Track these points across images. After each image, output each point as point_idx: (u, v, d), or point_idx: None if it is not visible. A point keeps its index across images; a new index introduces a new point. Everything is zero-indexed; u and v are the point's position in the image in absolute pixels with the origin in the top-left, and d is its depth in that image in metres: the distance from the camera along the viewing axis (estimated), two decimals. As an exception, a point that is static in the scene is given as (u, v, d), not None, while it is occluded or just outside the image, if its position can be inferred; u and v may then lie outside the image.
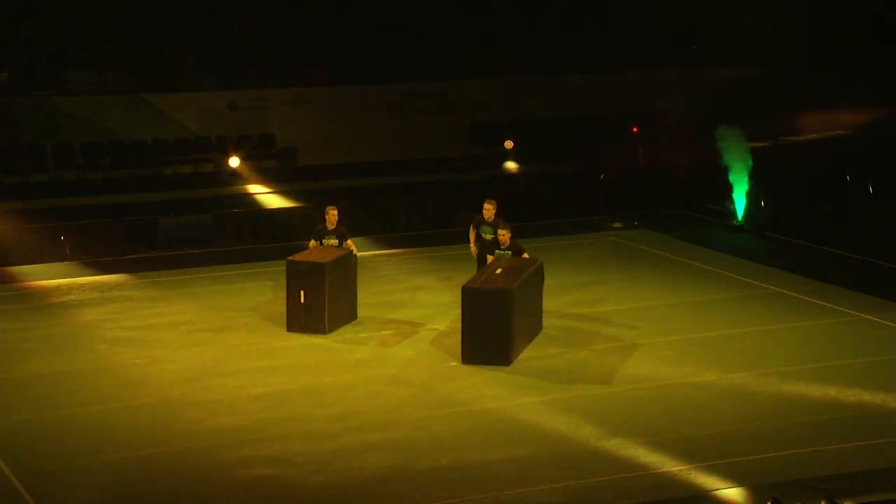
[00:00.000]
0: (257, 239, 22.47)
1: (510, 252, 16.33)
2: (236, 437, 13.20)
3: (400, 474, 12.30)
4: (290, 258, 16.85)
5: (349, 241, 17.16)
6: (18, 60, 25.34)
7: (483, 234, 17.10)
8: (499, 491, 11.85)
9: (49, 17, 26.37)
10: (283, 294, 17.10)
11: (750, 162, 23.11)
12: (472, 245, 17.22)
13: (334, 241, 17.07)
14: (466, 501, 11.64)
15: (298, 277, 16.61)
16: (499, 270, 15.89)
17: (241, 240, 22.38)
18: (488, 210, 17.06)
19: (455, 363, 15.55)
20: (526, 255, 16.48)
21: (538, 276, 16.47)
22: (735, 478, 12.04)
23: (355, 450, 12.90)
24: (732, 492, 11.85)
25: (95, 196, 23.37)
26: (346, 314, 16.98)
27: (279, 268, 17.36)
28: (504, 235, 16.37)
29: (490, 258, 16.47)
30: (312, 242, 17.20)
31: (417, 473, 12.31)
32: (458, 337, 16.19)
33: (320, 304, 16.54)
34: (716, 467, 12.28)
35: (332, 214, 17.16)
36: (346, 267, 16.99)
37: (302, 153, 26.04)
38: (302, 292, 16.50)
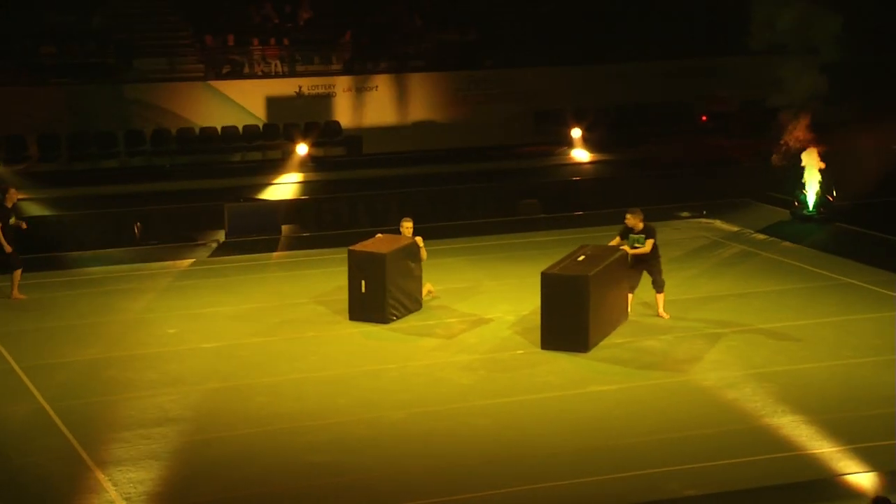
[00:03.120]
0: (323, 226, 22.48)
1: (643, 236, 16.26)
2: (301, 423, 13.21)
3: (459, 460, 12.24)
4: (351, 248, 16.80)
5: (422, 246, 17.03)
6: (89, 49, 25.58)
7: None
8: (557, 481, 11.73)
9: (118, 7, 26.62)
10: (346, 281, 17.08)
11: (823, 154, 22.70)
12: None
13: None
14: (533, 490, 11.55)
15: (359, 267, 16.53)
16: (581, 258, 15.84)
17: (306, 227, 22.42)
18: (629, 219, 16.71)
19: (521, 351, 15.46)
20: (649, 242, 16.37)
21: (622, 263, 16.38)
22: (802, 470, 11.87)
23: (418, 437, 12.86)
24: (799, 485, 11.69)
25: (164, 182, 23.59)
26: (408, 303, 16.89)
27: (343, 255, 17.32)
28: (630, 220, 16.33)
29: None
30: None
31: (479, 460, 12.23)
32: (523, 324, 16.18)
33: (381, 293, 16.44)
34: (783, 459, 12.10)
35: (407, 228, 17.03)
36: (409, 256, 16.89)
37: (367, 141, 26.08)
38: (363, 282, 16.44)
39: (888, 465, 11.93)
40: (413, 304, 16.97)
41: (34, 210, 21.77)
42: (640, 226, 16.33)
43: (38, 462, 12.26)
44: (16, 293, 18.01)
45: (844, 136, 24.48)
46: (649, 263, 16.41)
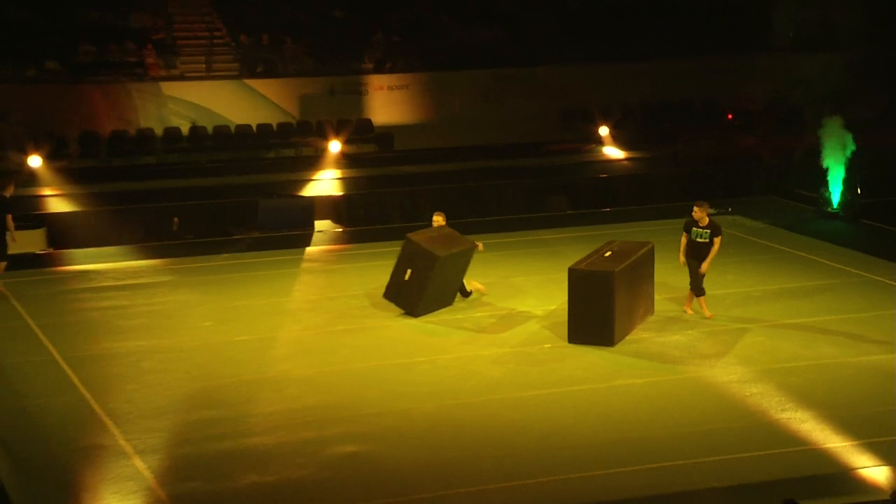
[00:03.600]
0: (355, 221, 22.53)
1: (708, 231, 16.07)
2: (332, 414, 13.27)
3: (490, 451, 12.26)
4: (410, 236, 16.65)
5: (479, 244, 16.97)
6: (127, 48, 25.73)
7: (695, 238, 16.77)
8: (591, 471, 11.76)
9: (156, 7, 26.76)
10: (377, 276, 17.14)
11: (850, 152, 22.55)
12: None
13: None
14: (559, 481, 11.56)
15: (410, 257, 16.46)
16: (608, 253, 15.86)
17: (339, 222, 22.47)
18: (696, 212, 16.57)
19: (549, 345, 15.47)
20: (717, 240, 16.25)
21: (649, 258, 16.34)
22: (828, 464, 11.83)
23: (449, 428, 12.88)
24: (825, 477, 11.66)
25: (200, 178, 23.69)
26: (443, 300, 16.88)
27: (375, 250, 17.45)
28: (697, 213, 16.11)
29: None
30: None
31: (510, 452, 12.25)
32: (552, 319, 16.19)
33: (420, 290, 16.42)
34: (808, 453, 12.07)
35: (437, 221, 17.02)
36: (461, 259, 16.78)
37: (398, 137, 26.12)
38: (409, 271, 16.44)
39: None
40: (446, 302, 16.94)
41: (74, 205, 21.95)
42: (706, 220, 16.11)
43: (78, 449, 12.38)
44: None
45: (870, 133, 24.29)
46: (701, 261, 16.11)
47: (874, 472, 11.70)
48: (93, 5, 26.25)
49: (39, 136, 23.60)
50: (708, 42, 27.28)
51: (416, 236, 16.68)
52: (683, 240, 16.29)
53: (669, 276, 17.54)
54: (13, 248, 19.71)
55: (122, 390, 14.01)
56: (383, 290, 16.88)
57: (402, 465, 11.96)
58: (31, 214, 21.08)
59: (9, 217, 17.94)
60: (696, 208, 16.16)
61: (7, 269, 18.81)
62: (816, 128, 22.68)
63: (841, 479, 11.66)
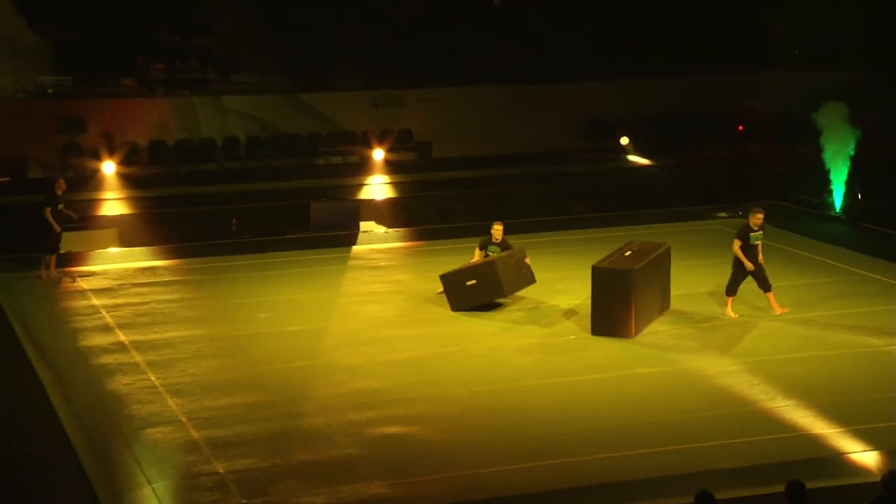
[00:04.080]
0: (396, 222, 22.50)
1: (761, 233, 15.57)
2: (375, 398, 13.23)
3: (517, 433, 12.20)
4: (496, 258, 16.25)
5: (521, 251, 16.72)
6: (192, 65, 25.84)
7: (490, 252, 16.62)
8: (612, 452, 11.67)
9: (220, 28, 26.86)
10: (417, 273, 17.08)
11: (851, 142, 22.05)
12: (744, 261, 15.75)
13: (496, 253, 16.63)
14: (582, 462, 11.47)
15: (478, 270, 16.13)
16: (628, 253, 15.76)
17: (382, 223, 22.45)
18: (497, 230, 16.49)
19: (573, 336, 15.37)
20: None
21: (665, 258, 16.21)
22: (830, 447, 11.71)
23: (481, 412, 12.83)
24: (828, 460, 11.52)
25: (256, 183, 23.75)
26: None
27: (415, 249, 17.40)
28: (755, 219, 15.55)
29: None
30: (478, 253, 16.76)
31: (536, 435, 12.19)
32: (576, 313, 16.11)
33: (470, 299, 16.16)
34: (812, 437, 11.94)
35: (497, 231, 16.80)
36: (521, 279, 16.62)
37: (436, 146, 26.07)
38: (474, 281, 16.18)
39: None
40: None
41: (142, 208, 22.06)
42: (760, 224, 15.61)
43: (143, 425, 12.41)
44: (53, 273, 18.34)
45: (869, 141, 24.02)
46: (757, 262, 15.67)
47: (871, 455, 11.52)
48: (162, 28, 26.39)
49: (114, 144, 23.75)
50: (720, 60, 27.06)
51: (499, 259, 16.27)
52: (738, 245, 15.58)
53: (684, 274, 17.40)
54: (89, 246, 19.90)
55: (184, 374, 14.05)
56: (422, 285, 16.82)
57: (437, 446, 11.92)
58: (103, 215, 21.22)
59: (48, 211, 18.09)
60: (758, 215, 15.61)
61: (83, 265, 18.99)
62: (817, 128, 22.17)
63: (840, 463, 11.51)
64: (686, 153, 25.55)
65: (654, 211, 22.89)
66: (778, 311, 15.90)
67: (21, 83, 24.23)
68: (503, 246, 16.74)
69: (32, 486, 11.00)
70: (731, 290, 15.93)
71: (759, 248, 15.77)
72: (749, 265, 15.65)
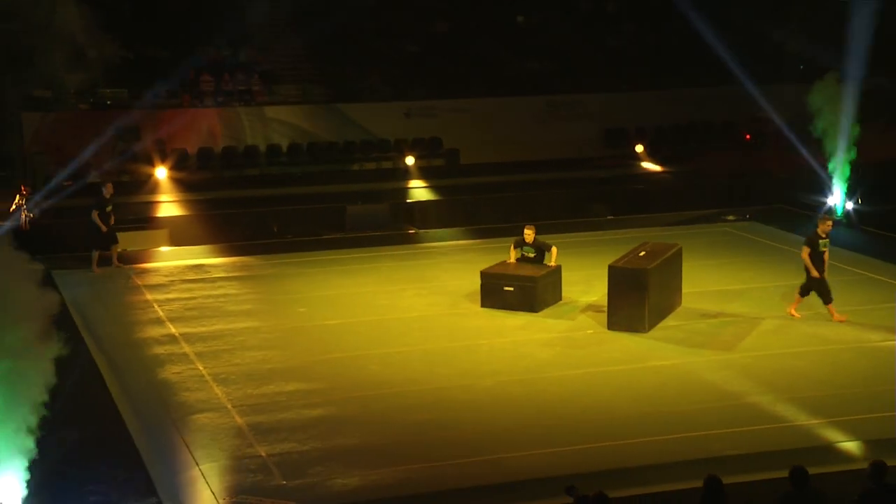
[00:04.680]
0: (427, 224, 22.52)
1: (828, 240, 15.09)
2: (407, 388, 13.28)
3: (539, 420, 12.23)
4: (535, 275, 16.08)
5: (554, 249, 16.60)
6: (238, 78, 25.96)
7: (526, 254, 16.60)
8: (626, 439, 11.67)
9: (262, 43, 26.96)
10: (446, 271, 17.00)
11: (842, 120, 21.66)
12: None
13: (531, 253, 16.65)
14: (599, 448, 11.49)
15: (517, 278, 16.10)
16: (642, 253, 15.73)
17: (414, 224, 22.48)
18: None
19: (591, 331, 15.36)
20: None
21: (677, 258, 16.17)
22: (831, 435, 11.65)
23: (506, 401, 12.85)
24: (836, 447, 11.47)
25: (296, 187, 23.81)
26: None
27: (443, 249, 17.36)
28: (823, 226, 15.22)
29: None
30: (513, 252, 16.77)
31: (555, 421, 12.21)
32: (593, 309, 16.09)
33: (506, 302, 16.13)
34: (813, 426, 11.89)
35: (528, 234, 16.69)
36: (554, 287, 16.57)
37: (463, 153, 26.06)
38: (513, 288, 16.10)
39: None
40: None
41: (192, 209, 22.17)
42: (827, 232, 15.19)
43: (192, 410, 12.50)
44: (96, 267, 18.56)
45: (869, 149, 23.80)
46: (822, 270, 15.19)
47: (868, 444, 11.45)
48: (211, 43, 26.52)
49: (165, 151, 23.90)
50: (731, 72, 26.89)
51: (541, 271, 16.25)
52: (807, 252, 15.18)
53: (695, 273, 17.35)
54: (142, 244, 20.06)
55: (229, 364, 14.14)
56: (452, 282, 16.85)
57: (464, 432, 11.95)
58: (155, 216, 21.36)
59: (95, 213, 18.29)
60: (827, 222, 15.26)
61: (136, 263, 19.13)
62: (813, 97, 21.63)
63: (840, 450, 11.46)
64: (698, 160, 25.41)
65: (666, 214, 22.81)
66: (835, 317, 15.34)
67: (84, 96, 24.48)
68: (536, 246, 16.70)
69: (90, 467, 11.11)
70: (804, 291, 15.44)
71: (826, 254, 15.32)
72: (815, 273, 15.17)
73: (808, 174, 22.95)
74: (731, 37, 26.51)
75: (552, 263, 16.58)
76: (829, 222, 15.39)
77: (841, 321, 15.29)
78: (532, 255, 16.67)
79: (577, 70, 27.61)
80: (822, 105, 21.68)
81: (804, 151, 23.02)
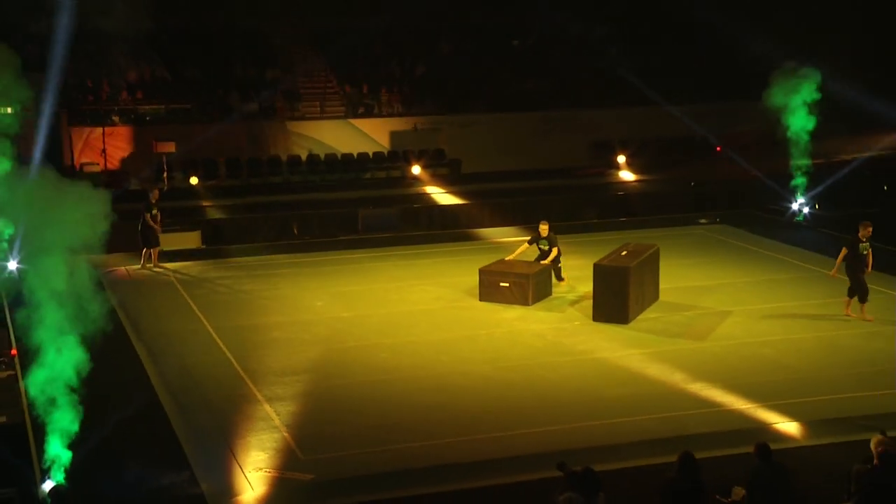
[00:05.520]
0: (432, 226, 22.57)
1: (868, 244, 14.64)
2: (414, 373, 13.33)
3: (536, 404, 12.26)
4: (530, 274, 16.06)
5: (555, 249, 16.67)
6: (263, 95, 26.03)
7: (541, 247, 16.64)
8: (611, 419, 11.73)
9: (284, 64, 27.03)
10: (448, 268, 17.02)
11: (797, 101, 21.30)
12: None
13: (545, 246, 16.72)
14: (586, 426, 11.55)
15: (518, 277, 16.11)
16: (624, 252, 15.77)
17: (420, 226, 22.53)
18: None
19: (579, 322, 15.40)
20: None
21: (656, 257, 16.23)
22: (797, 415, 11.69)
23: (503, 385, 12.91)
24: (795, 425, 11.50)
25: (315, 193, 23.85)
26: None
27: (446, 249, 17.34)
28: (863, 232, 14.76)
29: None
30: (525, 245, 16.81)
31: (549, 404, 12.24)
32: (580, 302, 16.12)
33: (501, 297, 16.16)
34: (778, 406, 11.92)
35: (543, 229, 16.79)
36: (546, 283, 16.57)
37: (465, 163, 26.11)
38: (509, 284, 16.13)
39: (868, 410, 11.67)
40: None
41: (221, 214, 22.23)
42: (867, 236, 14.76)
43: (223, 396, 12.57)
44: (145, 263, 18.63)
45: (831, 159, 23.86)
46: (860, 271, 14.83)
47: (827, 421, 11.47)
48: (238, 64, 26.59)
49: (198, 161, 23.97)
50: (708, 91, 26.90)
51: (533, 268, 16.23)
52: (844, 252, 14.84)
53: (671, 270, 17.39)
54: (177, 245, 20.11)
55: (256, 353, 14.17)
56: (454, 278, 16.89)
57: (466, 412, 12.00)
58: (190, 219, 21.43)
59: (147, 216, 18.40)
60: (868, 228, 14.76)
61: (171, 261, 19.19)
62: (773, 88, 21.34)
63: (802, 427, 11.46)
64: (674, 169, 25.42)
65: (646, 218, 22.83)
66: (851, 315, 15.05)
67: (126, 113, 24.57)
68: (549, 240, 16.71)
69: (129, 444, 11.17)
70: (852, 293, 15.03)
71: (869, 256, 14.99)
72: (834, 274, 14.98)
73: (773, 182, 22.98)
74: (706, 59, 26.57)
75: (547, 261, 16.61)
76: (870, 228, 14.82)
77: (868, 321, 14.83)
78: (546, 247, 16.75)
79: (569, 89, 27.64)
80: (784, 97, 21.47)
81: (753, 164, 23.12)
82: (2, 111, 16.62)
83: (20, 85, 16.01)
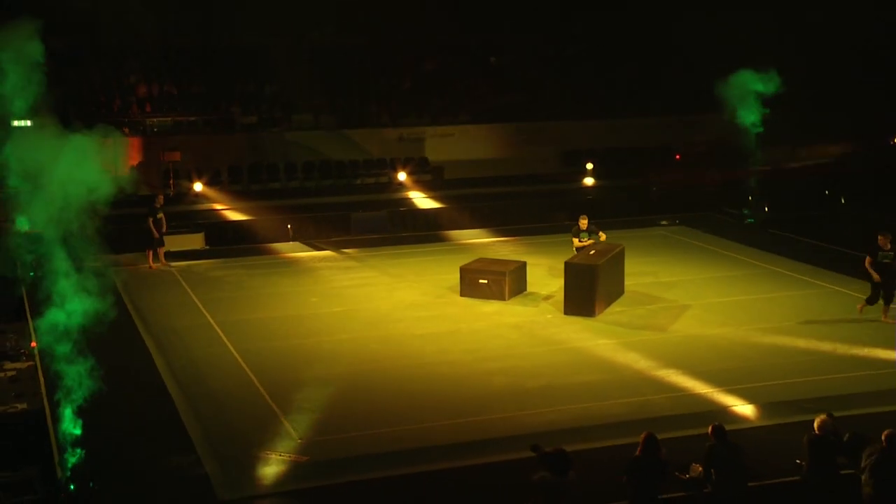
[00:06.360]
0: (418, 228, 22.54)
1: (892, 253, 14.21)
2: (401, 363, 13.32)
3: (512, 391, 12.29)
4: (504, 272, 15.98)
5: (601, 234, 16.58)
6: (262, 108, 25.92)
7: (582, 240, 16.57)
8: (581, 404, 11.75)
9: (282, 79, 26.95)
10: (432, 268, 17.00)
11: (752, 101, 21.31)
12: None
13: (586, 238, 16.58)
14: (558, 411, 11.57)
15: (494, 271, 16.08)
16: (592, 252, 15.84)
17: (406, 228, 22.50)
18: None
19: (551, 315, 15.42)
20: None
21: (621, 256, 16.28)
22: (749, 398, 11.75)
23: (482, 373, 12.92)
24: (747, 408, 11.55)
25: (310, 198, 23.76)
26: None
27: (430, 249, 17.32)
28: (882, 241, 14.25)
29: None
30: (574, 240, 16.67)
31: (524, 390, 12.27)
32: (552, 297, 16.14)
33: (480, 292, 16.10)
34: (735, 390, 11.99)
35: (583, 223, 16.70)
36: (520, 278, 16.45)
37: (447, 170, 26.07)
38: (488, 281, 16.04)
39: (811, 394, 11.73)
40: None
41: (224, 216, 22.12)
42: (889, 246, 14.24)
43: (226, 386, 12.53)
44: (161, 262, 18.56)
45: (779, 167, 23.95)
46: (887, 277, 14.32)
47: (777, 405, 11.53)
48: (240, 79, 26.46)
49: (202, 169, 23.83)
50: (670, 104, 26.97)
51: (511, 275, 16.07)
52: (869, 261, 14.33)
53: (635, 268, 17.45)
54: (183, 246, 19.98)
55: (256, 346, 14.13)
56: (438, 276, 16.87)
57: (448, 398, 12.02)
58: (194, 222, 21.31)
59: (149, 220, 18.26)
60: (880, 237, 14.29)
61: (177, 261, 19.07)
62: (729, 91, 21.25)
63: (754, 410, 11.52)
64: (638, 176, 25.50)
65: (612, 219, 22.87)
66: (883, 319, 14.46)
67: (135, 125, 24.42)
68: (589, 231, 16.63)
69: (137, 429, 11.13)
70: (871, 300, 14.52)
71: (605, 245, 15.53)
72: (876, 277, 14.32)
73: (728, 186, 23.07)
74: (669, 74, 26.63)
75: (602, 239, 16.50)
76: (889, 237, 14.28)
77: (889, 322, 14.33)
78: (586, 239, 16.69)
79: (542, 102, 27.67)
80: (738, 95, 21.43)
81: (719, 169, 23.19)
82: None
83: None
